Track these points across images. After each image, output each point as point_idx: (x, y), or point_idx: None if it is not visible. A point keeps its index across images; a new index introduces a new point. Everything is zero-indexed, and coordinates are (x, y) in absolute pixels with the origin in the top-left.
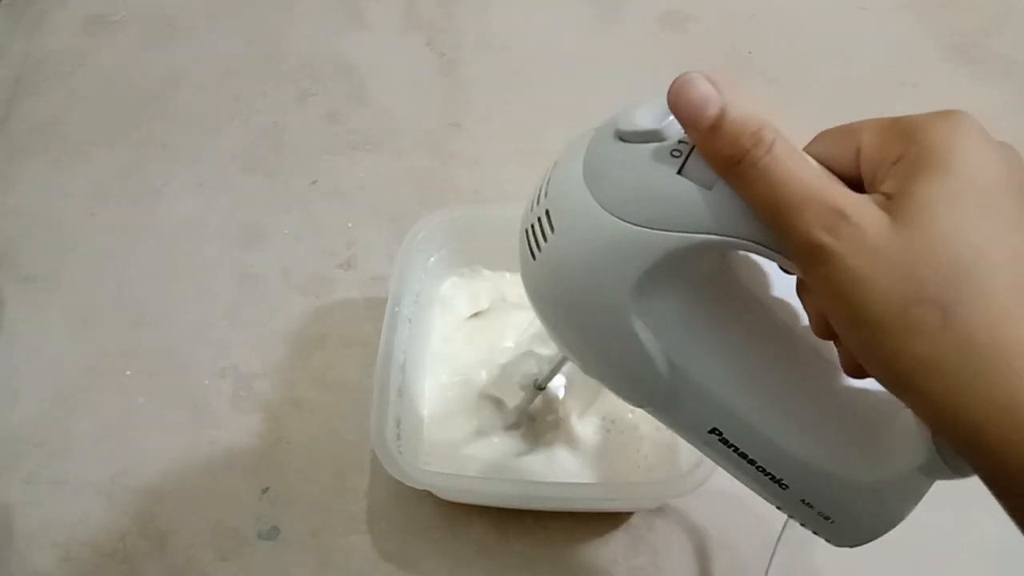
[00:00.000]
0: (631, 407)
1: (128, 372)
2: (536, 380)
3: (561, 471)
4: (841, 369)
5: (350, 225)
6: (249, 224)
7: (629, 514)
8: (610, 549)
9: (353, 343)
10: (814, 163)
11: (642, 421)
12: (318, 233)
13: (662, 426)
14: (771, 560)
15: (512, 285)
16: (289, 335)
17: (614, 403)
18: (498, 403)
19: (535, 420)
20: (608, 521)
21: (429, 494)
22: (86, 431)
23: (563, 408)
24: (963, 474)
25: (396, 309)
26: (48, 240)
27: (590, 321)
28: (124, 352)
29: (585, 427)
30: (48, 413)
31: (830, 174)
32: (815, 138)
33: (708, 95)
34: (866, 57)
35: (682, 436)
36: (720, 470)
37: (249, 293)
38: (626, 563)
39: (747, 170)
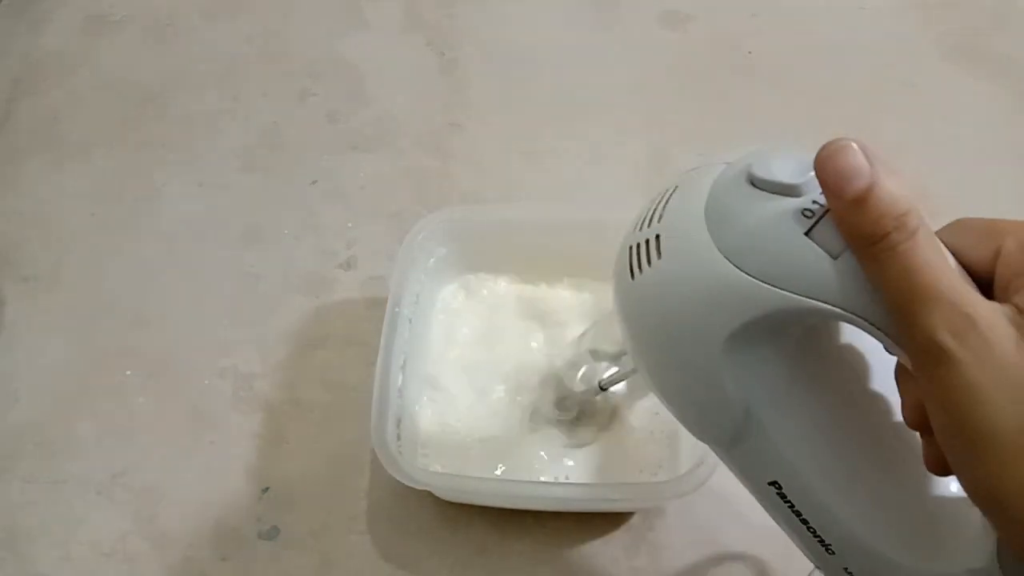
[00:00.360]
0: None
1: (128, 372)
2: (600, 380)
3: (571, 468)
4: (920, 459)
5: (350, 225)
6: (249, 224)
7: (630, 514)
8: (610, 549)
9: (353, 343)
10: (952, 260)
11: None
12: (318, 233)
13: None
14: None
15: (512, 287)
16: (289, 335)
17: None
18: (548, 397)
19: (589, 418)
20: (608, 521)
21: (429, 494)
22: (86, 431)
23: (612, 410)
24: None
25: (397, 309)
26: (48, 240)
27: (677, 354)
28: (124, 352)
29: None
30: (48, 413)
31: (965, 275)
32: (952, 225)
33: (860, 167)
34: (866, 57)
35: (739, 478)
36: (717, 472)
37: (249, 293)
38: (626, 563)
39: (884, 252)
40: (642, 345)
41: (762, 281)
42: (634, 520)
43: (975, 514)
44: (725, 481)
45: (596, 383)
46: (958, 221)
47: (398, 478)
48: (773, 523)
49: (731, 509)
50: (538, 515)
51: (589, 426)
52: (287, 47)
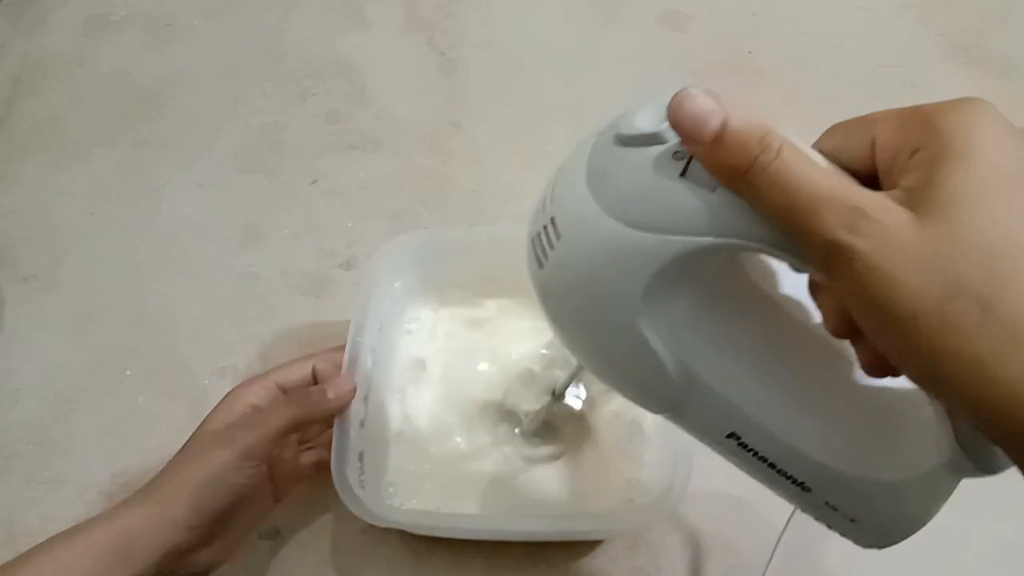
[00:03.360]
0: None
1: (128, 372)
2: (553, 389)
3: (544, 487)
4: (857, 367)
5: (350, 225)
6: (249, 224)
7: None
8: (610, 549)
9: None
10: (824, 163)
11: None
12: (318, 233)
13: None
14: (769, 562)
15: (481, 306)
16: (289, 335)
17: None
18: (511, 414)
19: (555, 430)
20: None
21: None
22: (86, 431)
23: (581, 418)
24: (989, 471)
25: (358, 339)
26: (48, 240)
27: (600, 328)
28: (124, 352)
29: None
30: (48, 413)
31: (842, 172)
32: (827, 132)
33: (709, 108)
34: (866, 57)
35: (701, 441)
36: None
37: (249, 293)
38: (626, 563)
39: (757, 177)
40: (568, 331)
41: (654, 232)
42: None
43: (927, 410)
44: (725, 483)
45: (551, 393)
46: (832, 126)
47: (361, 516)
48: (772, 523)
49: (731, 510)
50: None
51: (559, 440)
52: (287, 47)
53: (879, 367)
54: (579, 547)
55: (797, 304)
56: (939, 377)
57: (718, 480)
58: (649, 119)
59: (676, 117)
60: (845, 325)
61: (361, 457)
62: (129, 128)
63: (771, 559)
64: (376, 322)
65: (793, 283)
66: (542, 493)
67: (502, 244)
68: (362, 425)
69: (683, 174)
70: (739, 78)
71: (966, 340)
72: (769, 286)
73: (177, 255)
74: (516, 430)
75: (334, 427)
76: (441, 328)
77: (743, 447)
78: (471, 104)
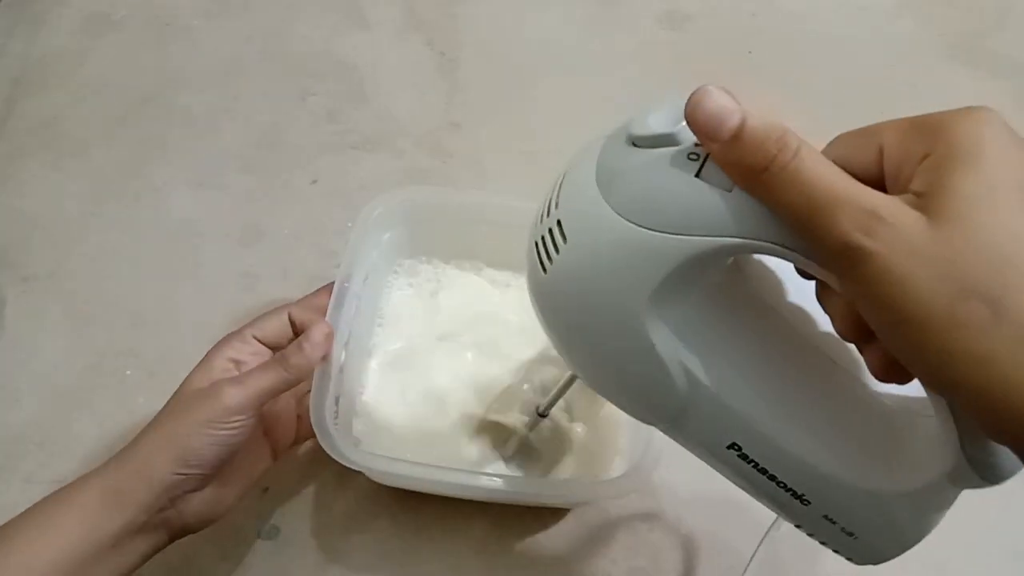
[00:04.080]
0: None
1: (128, 372)
2: (538, 407)
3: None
4: (861, 377)
5: (350, 225)
6: (249, 224)
7: (630, 515)
8: (610, 549)
9: None
10: (837, 168)
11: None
12: (318, 233)
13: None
14: (751, 559)
15: (466, 273)
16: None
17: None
18: (498, 428)
19: (538, 451)
20: (609, 522)
21: (431, 496)
22: (86, 431)
23: (568, 436)
24: (992, 481)
25: (345, 285)
26: (48, 240)
27: (605, 334)
28: (124, 352)
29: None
30: (48, 413)
31: (853, 178)
32: (833, 141)
33: (727, 106)
34: (866, 57)
35: (699, 455)
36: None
37: (249, 293)
38: (626, 563)
39: (775, 176)
40: (569, 339)
41: (667, 232)
42: (635, 522)
43: (930, 420)
44: (726, 485)
45: (535, 411)
46: (837, 136)
47: (333, 456)
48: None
49: (731, 511)
50: (538, 514)
51: (543, 458)
52: (287, 47)
53: (889, 371)
54: (580, 547)
55: (802, 313)
56: (950, 378)
57: (719, 481)
58: (663, 120)
59: (694, 115)
60: (855, 328)
61: (337, 401)
62: (129, 128)
63: (755, 552)
64: (362, 272)
65: (797, 292)
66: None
67: (498, 209)
68: (341, 371)
69: (698, 174)
70: (739, 78)
71: (977, 340)
72: (774, 295)
73: (177, 255)
74: (497, 451)
75: (315, 371)
76: (427, 283)
77: (743, 458)
78: (471, 104)
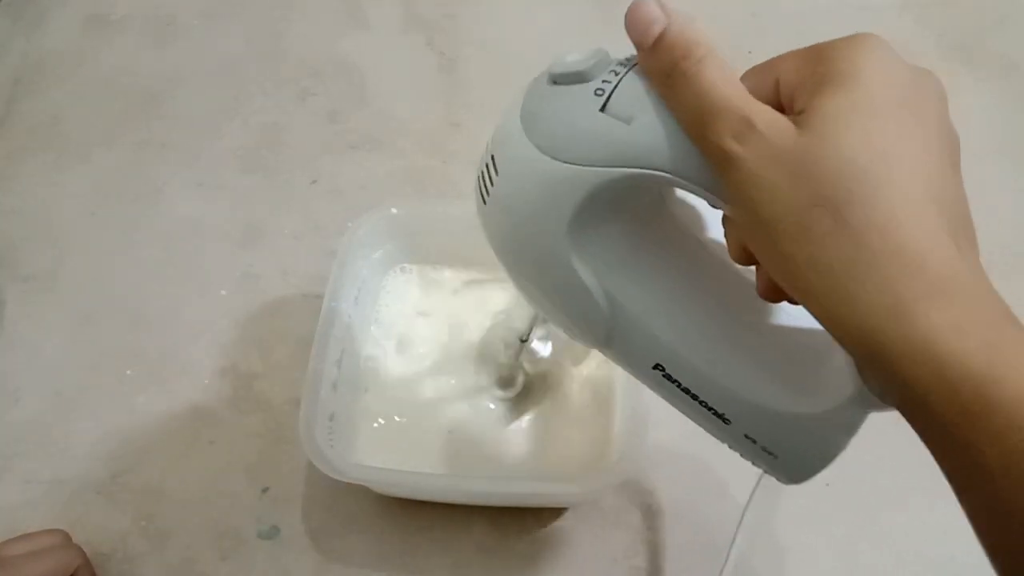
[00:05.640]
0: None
1: (128, 372)
2: (519, 334)
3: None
4: (776, 308)
5: (350, 225)
6: (249, 224)
7: (629, 515)
8: (610, 549)
9: None
10: (737, 82)
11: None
12: (318, 233)
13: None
14: (737, 530)
15: (457, 278)
16: (289, 335)
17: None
18: (485, 362)
19: (526, 389)
20: (608, 521)
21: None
22: (86, 431)
23: (554, 368)
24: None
25: (333, 304)
26: (48, 240)
27: (535, 260)
28: (124, 352)
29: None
30: (48, 413)
31: (748, 93)
32: (740, 77)
33: (654, 15)
34: None
35: (631, 374)
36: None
37: (249, 293)
38: (626, 563)
39: (675, 80)
40: (509, 264)
41: (577, 164)
42: (634, 520)
43: (840, 348)
44: (726, 485)
45: (517, 339)
46: (744, 72)
47: (327, 473)
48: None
49: (730, 512)
50: (538, 514)
51: (528, 398)
52: (287, 47)
53: (769, 290)
54: (579, 546)
55: (721, 245)
56: (801, 287)
57: (719, 481)
58: (578, 57)
59: (629, 25)
60: (743, 251)
61: (332, 417)
62: (129, 128)
63: (730, 549)
64: (353, 289)
65: (717, 226)
66: (510, 457)
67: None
68: (334, 388)
69: (603, 108)
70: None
71: (818, 246)
72: (696, 228)
73: (177, 255)
74: (489, 377)
75: (304, 387)
76: (419, 298)
77: (668, 378)
78: (471, 104)
